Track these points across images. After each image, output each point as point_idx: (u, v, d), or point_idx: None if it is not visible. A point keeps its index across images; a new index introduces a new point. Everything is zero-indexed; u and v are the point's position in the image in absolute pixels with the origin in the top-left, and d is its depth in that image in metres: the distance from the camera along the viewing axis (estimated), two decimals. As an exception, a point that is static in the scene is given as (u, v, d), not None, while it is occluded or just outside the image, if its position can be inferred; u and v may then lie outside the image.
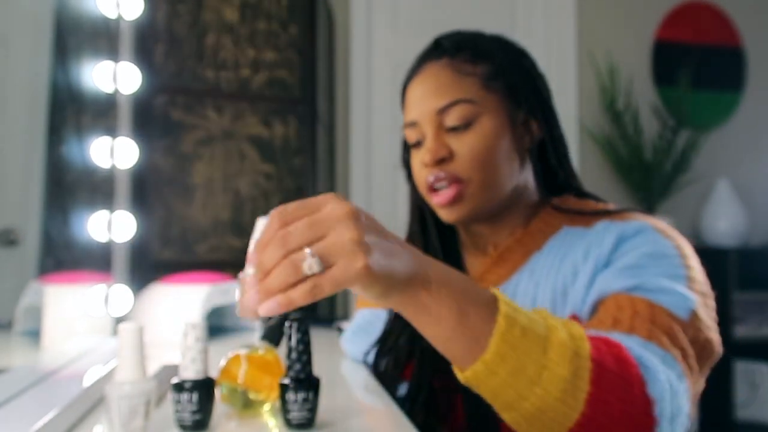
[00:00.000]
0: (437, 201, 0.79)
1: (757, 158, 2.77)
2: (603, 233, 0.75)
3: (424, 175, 0.80)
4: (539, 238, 0.81)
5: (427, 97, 0.79)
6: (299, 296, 0.47)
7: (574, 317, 0.71)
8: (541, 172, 0.84)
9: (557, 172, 0.85)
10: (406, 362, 0.81)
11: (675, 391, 0.56)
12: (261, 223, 0.53)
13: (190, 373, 0.60)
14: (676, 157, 2.50)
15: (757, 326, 2.52)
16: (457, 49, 0.81)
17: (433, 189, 0.79)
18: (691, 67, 2.57)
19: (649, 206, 2.50)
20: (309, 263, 0.47)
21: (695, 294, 0.67)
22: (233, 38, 1.77)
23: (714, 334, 0.67)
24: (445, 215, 0.80)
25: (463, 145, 0.77)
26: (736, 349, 2.35)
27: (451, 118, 0.78)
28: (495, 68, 0.80)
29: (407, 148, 0.88)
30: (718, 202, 2.56)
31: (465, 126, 0.78)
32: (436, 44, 0.84)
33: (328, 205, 0.49)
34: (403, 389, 0.80)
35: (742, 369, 2.44)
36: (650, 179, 2.46)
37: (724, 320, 2.29)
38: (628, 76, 2.57)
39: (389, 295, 0.50)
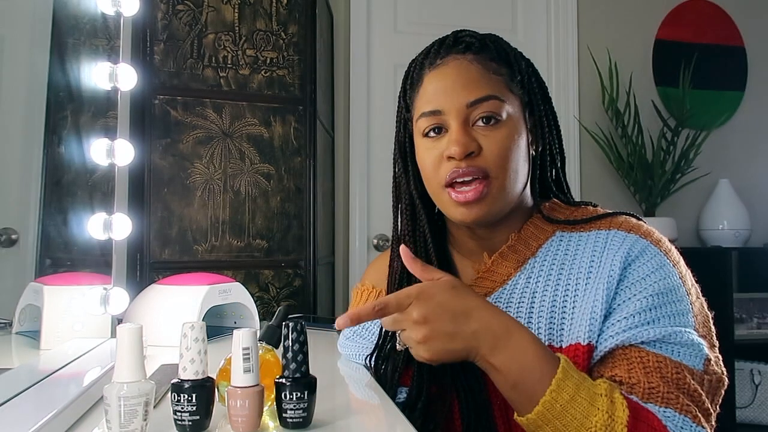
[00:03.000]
0: (460, 198, 0.76)
1: (757, 158, 2.77)
2: (604, 249, 0.76)
3: (446, 169, 0.77)
4: (532, 244, 0.82)
5: (456, 90, 0.77)
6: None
7: (590, 346, 0.72)
8: (536, 181, 0.84)
9: (552, 183, 0.85)
10: (404, 368, 0.81)
11: None
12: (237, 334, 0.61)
13: (189, 373, 0.60)
14: (677, 157, 2.50)
15: (757, 326, 2.52)
16: (482, 47, 0.80)
17: (453, 184, 0.77)
18: (691, 66, 2.57)
19: (649, 206, 2.50)
20: (399, 344, 0.70)
21: (700, 329, 0.73)
22: (233, 38, 1.77)
23: (721, 369, 0.72)
24: (462, 214, 0.78)
25: (491, 141, 0.76)
26: (736, 349, 2.35)
27: (481, 113, 0.76)
28: (517, 73, 0.81)
29: (406, 142, 0.85)
30: (718, 202, 2.56)
31: (492, 121, 0.77)
32: (457, 38, 0.81)
33: (411, 308, 0.66)
34: (401, 395, 0.80)
35: (742, 369, 2.44)
36: (650, 179, 2.46)
37: (724, 320, 2.29)
38: (628, 75, 2.57)
39: (457, 360, 0.68)
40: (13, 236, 0.99)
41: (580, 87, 2.58)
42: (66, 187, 1.13)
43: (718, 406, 0.72)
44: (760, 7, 2.83)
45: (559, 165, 0.86)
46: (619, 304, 0.72)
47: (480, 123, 0.77)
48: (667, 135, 2.54)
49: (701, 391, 0.68)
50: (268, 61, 1.80)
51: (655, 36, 2.71)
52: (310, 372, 0.63)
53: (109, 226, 1.00)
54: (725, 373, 0.73)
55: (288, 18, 1.84)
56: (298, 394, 0.61)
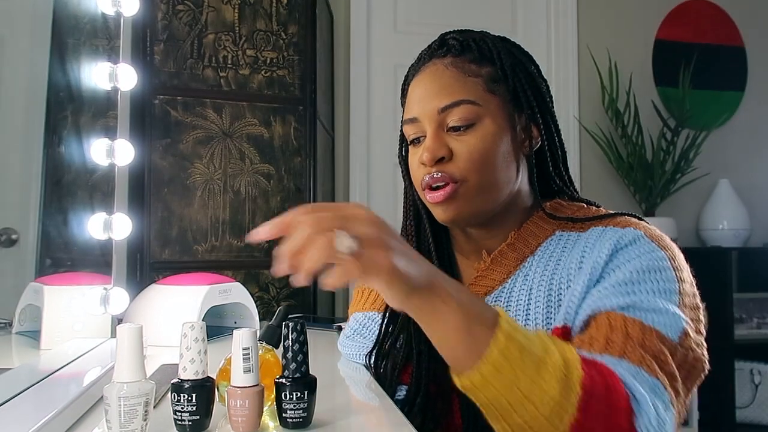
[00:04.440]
0: (431, 198, 0.78)
1: (757, 158, 2.77)
2: (597, 240, 0.75)
3: (421, 174, 0.79)
4: (532, 242, 0.81)
5: (429, 96, 0.79)
6: (333, 279, 0.51)
7: (566, 328, 0.71)
8: (536, 177, 0.83)
9: (554, 178, 0.85)
10: (403, 366, 0.81)
11: (662, 421, 0.58)
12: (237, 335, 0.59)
13: (189, 373, 0.60)
14: (676, 157, 2.50)
15: (757, 326, 2.52)
16: (463, 49, 0.80)
17: (429, 188, 0.79)
18: (691, 66, 2.57)
19: (649, 206, 2.50)
20: (346, 243, 0.51)
21: (686, 311, 0.68)
22: (233, 38, 1.77)
23: (703, 352, 0.68)
24: (440, 214, 0.79)
25: (463, 146, 0.77)
26: (736, 349, 2.35)
27: (453, 118, 0.77)
28: (499, 71, 0.80)
29: (404, 144, 0.87)
30: (718, 202, 2.56)
31: (466, 127, 0.77)
32: (442, 41, 0.83)
33: (354, 207, 0.55)
34: (401, 392, 0.80)
35: (742, 369, 2.44)
36: (650, 179, 2.46)
37: (724, 320, 2.30)
38: (628, 75, 2.57)
39: (410, 297, 0.56)
40: (13, 236, 0.99)
41: (580, 87, 2.58)
42: (66, 187, 1.14)
43: (691, 390, 0.67)
44: (760, 7, 2.83)
45: (559, 160, 0.85)
46: (598, 281, 0.71)
47: (453, 128, 0.77)
48: (667, 135, 2.54)
49: (670, 360, 0.63)
50: (268, 61, 1.80)
51: (655, 36, 2.71)
52: (310, 372, 0.63)
53: (109, 226, 1.00)
54: (707, 359, 0.68)
55: (288, 18, 1.84)
56: (298, 394, 0.61)
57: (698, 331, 0.69)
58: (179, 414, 0.59)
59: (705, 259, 2.40)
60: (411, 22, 2.48)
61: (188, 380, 0.60)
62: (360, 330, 0.94)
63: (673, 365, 0.63)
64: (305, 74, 1.84)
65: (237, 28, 1.78)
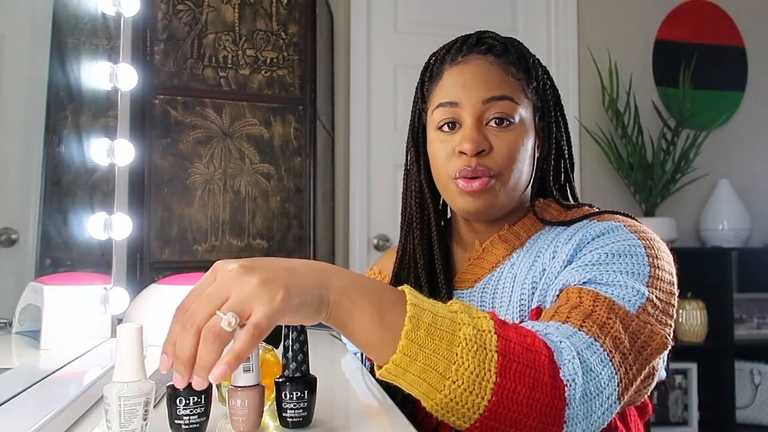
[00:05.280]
0: (467, 186, 0.78)
1: (757, 158, 2.77)
2: (576, 232, 0.77)
3: (457, 164, 0.79)
4: (523, 235, 0.84)
5: (474, 85, 0.80)
6: (244, 346, 0.49)
7: (539, 309, 0.74)
8: (539, 182, 0.86)
9: (552, 186, 0.87)
10: None
11: (594, 375, 0.58)
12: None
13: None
14: (677, 157, 2.50)
15: (757, 326, 2.52)
16: (504, 51, 0.82)
17: (463, 177, 0.79)
18: (691, 66, 2.57)
19: (649, 206, 2.50)
20: (226, 319, 0.49)
21: (652, 290, 0.68)
22: (233, 38, 1.77)
23: (663, 328, 0.67)
24: (469, 203, 0.79)
25: (502, 143, 0.79)
26: (736, 349, 2.35)
27: (494, 112, 0.79)
28: (533, 79, 0.83)
29: (422, 131, 0.87)
30: (719, 202, 2.56)
31: (505, 123, 0.79)
32: (480, 39, 0.83)
33: (217, 275, 0.53)
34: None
35: (742, 369, 2.44)
36: (650, 179, 2.46)
37: (724, 320, 2.30)
38: (628, 75, 2.57)
39: (320, 309, 0.54)
40: (13, 236, 0.99)
41: (580, 87, 2.58)
42: (66, 187, 1.14)
43: (648, 363, 0.65)
44: (760, 7, 2.82)
45: (566, 170, 0.88)
46: (570, 262, 0.74)
47: (493, 123, 0.79)
48: (667, 135, 2.54)
49: (618, 326, 0.62)
50: (268, 61, 1.80)
51: (656, 36, 2.71)
52: (310, 372, 0.63)
53: (109, 225, 1.00)
54: (671, 337, 0.67)
55: (288, 18, 1.84)
56: (298, 394, 0.61)
57: (665, 312, 0.69)
58: (178, 415, 0.59)
59: (705, 259, 2.40)
60: (411, 22, 2.48)
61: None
62: None
63: (621, 332, 0.63)
64: (305, 74, 1.84)
65: (237, 28, 1.78)
